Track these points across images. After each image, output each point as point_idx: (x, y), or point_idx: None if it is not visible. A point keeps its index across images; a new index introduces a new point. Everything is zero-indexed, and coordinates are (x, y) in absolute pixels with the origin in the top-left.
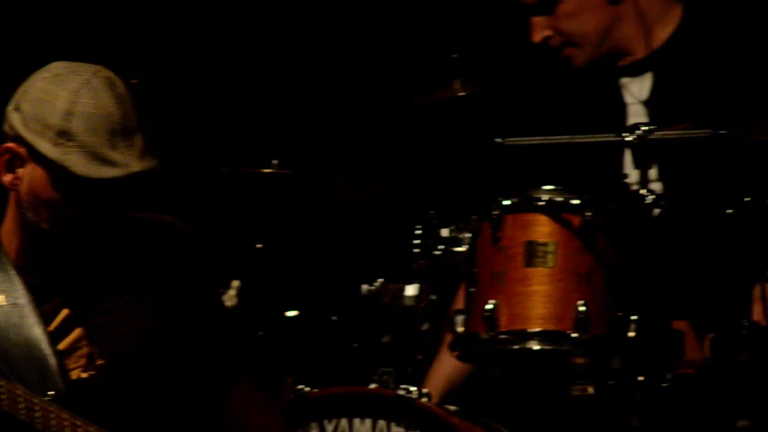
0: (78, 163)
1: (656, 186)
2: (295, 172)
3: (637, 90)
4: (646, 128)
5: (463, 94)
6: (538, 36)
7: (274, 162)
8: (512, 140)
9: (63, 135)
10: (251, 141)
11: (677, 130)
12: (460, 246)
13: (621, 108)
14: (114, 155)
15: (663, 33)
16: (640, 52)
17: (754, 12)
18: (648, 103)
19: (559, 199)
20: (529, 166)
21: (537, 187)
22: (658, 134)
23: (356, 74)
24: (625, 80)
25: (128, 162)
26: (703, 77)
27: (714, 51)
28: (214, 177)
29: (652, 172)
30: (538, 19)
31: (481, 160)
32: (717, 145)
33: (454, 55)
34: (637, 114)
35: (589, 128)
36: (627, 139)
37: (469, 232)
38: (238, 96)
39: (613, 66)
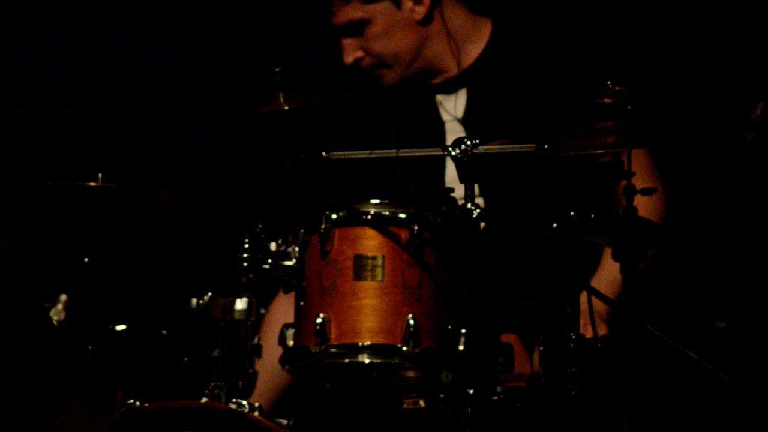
0: None
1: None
2: (122, 186)
3: (452, 107)
4: (471, 143)
5: (287, 107)
6: (349, 58)
7: (100, 175)
8: (338, 154)
9: None
10: (76, 155)
11: (501, 144)
12: (288, 260)
13: (439, 125)
14: None
15: (474, 50)
16: (452, 69)
17: (561, 28)
18: (464, 121)
19: (386, 212)
20: (356, 179)
21: (364, 200)
22: (482, 149)
23: (182, 89)
24: (440, 97)
25: None
26: (516, 92)
27: (524, 66)
28: (39, 190)
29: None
30: (348, 41)
31: (308, 173)
32: (541, 159)
33: (278, 69)
34: (454, 131)
35: (411, 143)
36: (452, 153)
37: (298, 246)
38: (60, 109)
39: (428, 84)
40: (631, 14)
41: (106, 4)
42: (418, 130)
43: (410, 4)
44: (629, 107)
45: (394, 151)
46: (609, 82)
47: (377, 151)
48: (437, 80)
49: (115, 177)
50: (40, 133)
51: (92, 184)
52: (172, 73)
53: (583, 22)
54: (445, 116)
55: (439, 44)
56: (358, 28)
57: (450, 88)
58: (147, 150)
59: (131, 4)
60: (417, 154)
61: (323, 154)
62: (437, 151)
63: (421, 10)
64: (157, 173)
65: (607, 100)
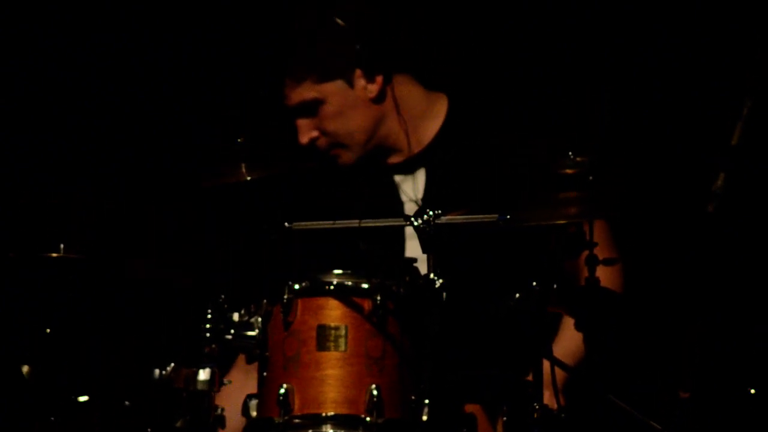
0: None
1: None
2: (83, 256)
3: (410, 188)
4: (433, 213)
5: (249, 178)
6: (304, 138)
7: (62, 246)
8: (300, 224)
9: None
10: (38, 224)
11: (463, 215)
12: (251, 330)
13: (399, 206)
14: None
15: (431, 127)
16: (409, 148)
17: (518, 100)
18: (424, 201)
19: (349, 283)
20: (319, 250)
21: (327, 271)
22: (445, 219)
23: (144, 156)
24: (398, 178)
25: None
26: (475, 168)
27: (482, 141)
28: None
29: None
30: (303, 122)
31: (270, 244)
32: (503, 229)
33: (240, 140)
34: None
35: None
36: (415, 224)
37: (260, 317)
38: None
39: (385, 164)
40: (588, 84)
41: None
42: (378, 212)
43: (363, 82)
44: (591, 178)
45: (357, 221)
46: (570, 153)
47: (339, 222)
48: (395, 159)
49: (77, 247)
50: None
51: (54, 254)
52: (132, 141)
53: (540, 93)
54: (404, 197)
55: (394, 122)
56: (312, 108)
57: (408, 168)
58: (108, 218)
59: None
60: (380, 224)
61: (285, 224)
62: (400, 221)
63: (373, 89)
64: (118, 242)
65: (568, 171)
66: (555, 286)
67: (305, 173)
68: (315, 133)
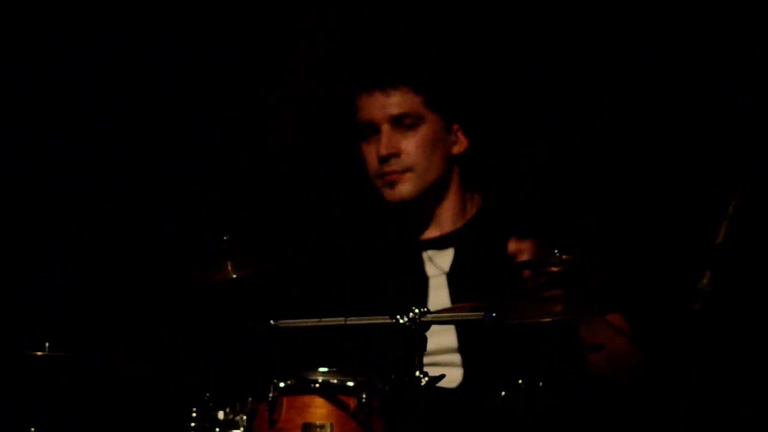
0: None
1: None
2: (68, 355)
3: (440, 263)
4: (419, 311)
5: (235, 276)
6: (387, 149)
7: (47, 344)
8: (286, 322)
9: None
10: (22, 324)
11: (449, 312)
12: (236, 429)
13: (424, 281)
14: None
15: (466, 214)
16: (446, 227)
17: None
18: (449, 275)
19: (334, 381)
20: (305, 347)
21: (312, 369)
22: (431, 317)
23: (129, 253)
24: (429, 253)
25: None
26: (497, 259)
27: (506, 237)
28: None
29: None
30: (392, 133)
31: (256, 342)
32: (490, 327)
33: (225, 237)
34: (438, 286)
35: (395, 299)
36: (401, 321)
37: (246, 415)
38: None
39: (418, 237)
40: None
41: None
42: (403, 286)
43: (454, 137)
44: (578, 275)
45: (342, 319)
46: (556, 251)
47: (325, 320)
48: (430, 234)
49: (62, 345)
50: None
51: (39, 353)
52: (117, 238)
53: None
54: (430, 271)
55: (449, 190)
56: (408, 123)
57: (440, 244)
58: (93, 319)
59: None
60: (365, 322)
61: (271, 322)
62: (385, 319)
63: (458, 149)
64: (103, 337)
65: (554, 269)
66: (540, 383)
67: (293, 271)
68: (397, 150)
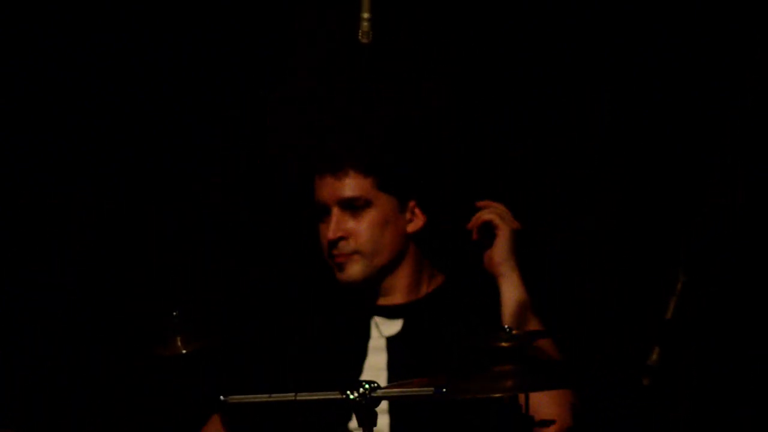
0: None
1: None
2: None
3: (386, 330)
4: (369, 387)
5: (185, 351)
6: (336, 233)
7: None
8: (236, 398)
9: None
10: None
11: (399, 388)
12: None
13: (365, 343)
14: None
15: (424, 289)
16: (400, 299)
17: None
18: (391, 340)
19: None
20: (258, 421)
21: None
22: (381, 392)
23: (81, 329)
24: (376, 320)
25: None
26: (445, 337)
27: (460, 319)
28: None
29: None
30: (340, 216)
31: (208, 416)
32: (440, 402)
33: (175, 312)
34: (377, 348)
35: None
36: (351, 397)
37: None
38: None
39: (370, 303)
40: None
41: None
42: (346, 348)
43: (409, 214)
44: (528, 351)
45: (293, 395)
46: (507, 327)
47: (275, 395)
48: (382, 302)
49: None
50: None
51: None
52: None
53: None
54: (374, 334)
55: (406, 267)
56: (358, 206)
57: (390, 313)
58: (50, 394)
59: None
60: (315, 397)
61: (221, 398)
62: (335, 395)
63: (414, 226)
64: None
65: (504, 344)
66: None
67: (242, 345)
68: (345, 233)
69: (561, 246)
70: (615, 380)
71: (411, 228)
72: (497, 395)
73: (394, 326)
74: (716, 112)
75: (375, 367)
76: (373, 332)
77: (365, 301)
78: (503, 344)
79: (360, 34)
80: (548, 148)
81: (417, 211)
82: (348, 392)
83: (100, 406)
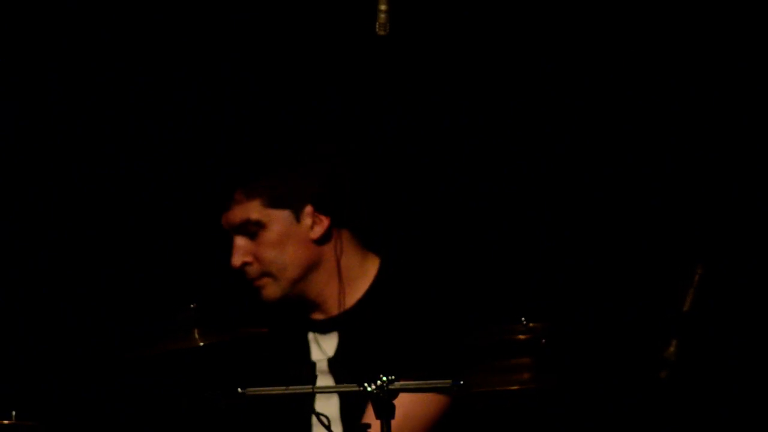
0: None
1: None
2: (36, 424)
3: (320, 351)
4: (387, 379)
5: (202, 344)
6: (237, 260)
7: (13, 413)
8: (253, 390)
9: None
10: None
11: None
12: None
13: (309, 367)
14: None
15: (356, 291)
16: (332, 308)
17: (454, 268)
18: (330, 365)
19: None
20: (273, 415)
21: None
22: (398, 384)
23: (95, 322)
24: (312, 336)
25: None
26: (391, 338)
27: (406, 310)
28: None
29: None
30: (240, 243)
31: (225, 410)
32: (456, 395)
33: (192, 305)
34: (322, 371)
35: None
36: (368, 389)
37: None
38: None
39: (304, 317)
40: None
41: None
42: (288, 369)
43: (309, 220)
44: (543, 341)
45: (309, 387)
46: (523, 319)
47: (292, 387)
48: (315, 316)
49: (30, 414)
50: None
51: (6, 422)
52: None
53: (482, 258)
54: (315, 355)
55: (325, 273)
56: (252, 230)
57: (324, 328)
58: (63, 388)
59: None
60: (333, 390)
61: (239, 390)
62: (353, 387)
63: (318, 230)
64: (72, 412)
65: (521, 337)
66: None
67: (258, 338)
68: (249, 258)
69: (578, 238)
70: (632, 374)
71: (315, 234)
72: (513, 388)
73: (330, 341)
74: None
75: (325, 394)
76: (313, 350)
77: (301, 315)
78: (520, 336)
79: (377, 26)
80: (569, 138)
81: (317, 214)
82: (365, 385)
83: (118, 399)
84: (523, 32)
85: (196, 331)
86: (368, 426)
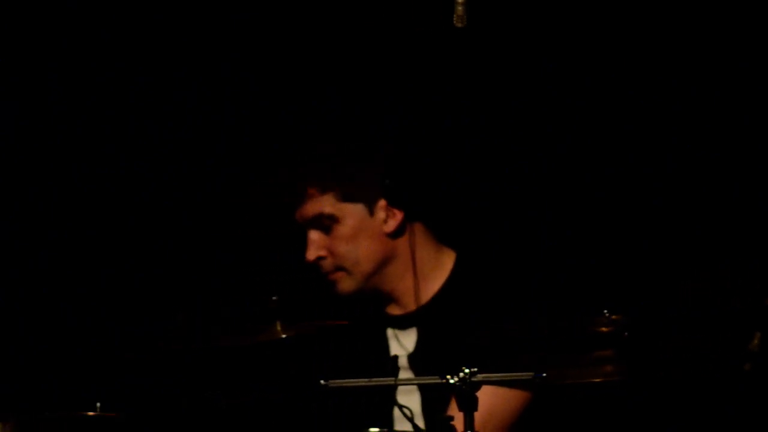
0: None
1: None
2: (120, 415)
3: (399, 346)
4: (469, 371)
5: (284, 336)
6: (311, 254)
7: (98, 404)
8: (336, 382)
9: None
10: (74, 383)
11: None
12: None
13: (390, 360)
14: None
15: (432, 286)
16: (408, 304)
17: (529, 262)
18: (411, 357)
19: None
20: (355, 408)
21: (363, 430)
22: (480, 377)
23: (176, 314)
24: (390, 332)
25: None
26: (465, 331)
27: (482, 304)
28: (43, 423)
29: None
30: (315, 236)
31: (306, 402)
32: (538, 387)
33: (274, 298)
34: (402, 366)
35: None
36: (451, 382)
37: None
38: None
39: (380, 312)
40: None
41: None
42: (368, 365)
43: (383, 214)
44: (626, 334)
45: (392, 379)
46: (606, 311)
47: (375, 380)
48: (392, 311)
49: (113, 406)
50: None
51: (90, 413)
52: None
53: (558, 253)
54: (395, 350)
55: (401, 267)
56: (326, 224)
57: (402, 324)
58: (149, 379)
59: None
60: (415, 382)
61: (321, 382)
62: (435, 379)
63: (392, 224)
64: (157, 402)
65: (603, 329)
66: None
67: (339, 331)
68: (323, 252)
69: (660, 229)
70: (715, 366)
71: (388, 228)
72: (595, 380)
73: (409, 337)
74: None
75: (406, 388)
76: (393, 346)
77: (377, 310)
78: (602, 329)
79: (455, 18)
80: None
81: (390, 208)
82: (448, 377)
83: (202, 389)
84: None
85: (278, 323)
86: (451, 418)
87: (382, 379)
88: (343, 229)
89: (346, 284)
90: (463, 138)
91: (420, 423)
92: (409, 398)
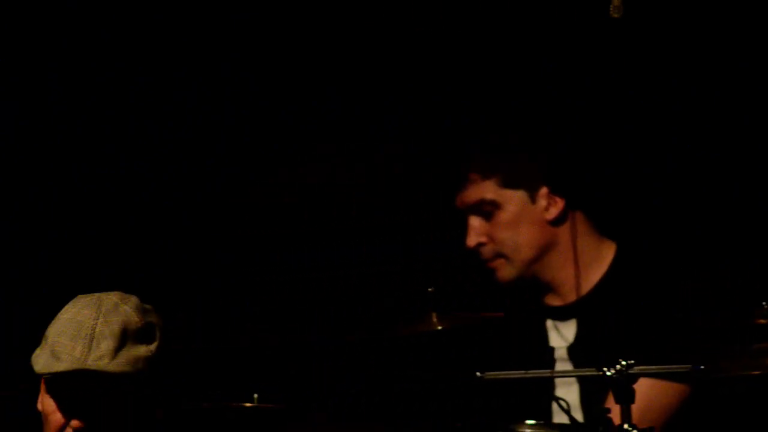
0: (39, 362)
1: None
2: (277, 407)
3: (559, 337)
4: (626, 363)
5: (440, 327)
6: (472, 240)
7: (255, 396)
8: (492, 374)
9: (44, 338)
10: (231, 375)
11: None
12: None
13: (549, 351)
14: (66, 352)
15: (593, 277)
16: (569, 294)
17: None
18: (570, 353)
19: None
20: (511, 400)
21: (519, 421)
22: (637, 369)
23: (334, 308)
24: (549, 323)
25: (79, 358)
26: (625, 324)
27: (642, 298)
28: (196, 413)
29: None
30: (475, 222)
31: (462, 393)
32: (696, 380)
33: (430, 289)
34: (561, 358)
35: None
36: (608, 374)
37: None
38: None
39: (541, 302)
40: None
41: None
42: (527, 354)
43: (544, 202)
44: None
45: (548, 371)
46: (765, 303)
47: (531, 372)
48: (551, 301)
49: (271, 397)
50: (195, 357)
51: (248, 404)
52: (322, 291)
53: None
54: (554, 342)
55: (561, 256)
56: (487, 210)
57: (562, 315)
58: (303, 372)
59: None
60: (572, 374)
61: (477, 374)
62: (591, 371)
63: (553, 211)
64: (312, 396)
65: (762, 321)
66: None
67: (495, 323)
68: (484, 239)
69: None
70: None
71: (550, 215)
72: (755, 373)
73: (569, 328)
74: None
75: (564, 380)
76: (552, 337)
77: (536, 300)
78: (761, 321)
79: (611, 8)
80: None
81: (552, 196)
82: (605, 369)
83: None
84: None
85: (433, 315)
86: (608, 410)
87: (537, 371)
88: (505, 215)
89: (506, 271)
90: (623, 129)
91: (577, 416)
92: (568, 390)
